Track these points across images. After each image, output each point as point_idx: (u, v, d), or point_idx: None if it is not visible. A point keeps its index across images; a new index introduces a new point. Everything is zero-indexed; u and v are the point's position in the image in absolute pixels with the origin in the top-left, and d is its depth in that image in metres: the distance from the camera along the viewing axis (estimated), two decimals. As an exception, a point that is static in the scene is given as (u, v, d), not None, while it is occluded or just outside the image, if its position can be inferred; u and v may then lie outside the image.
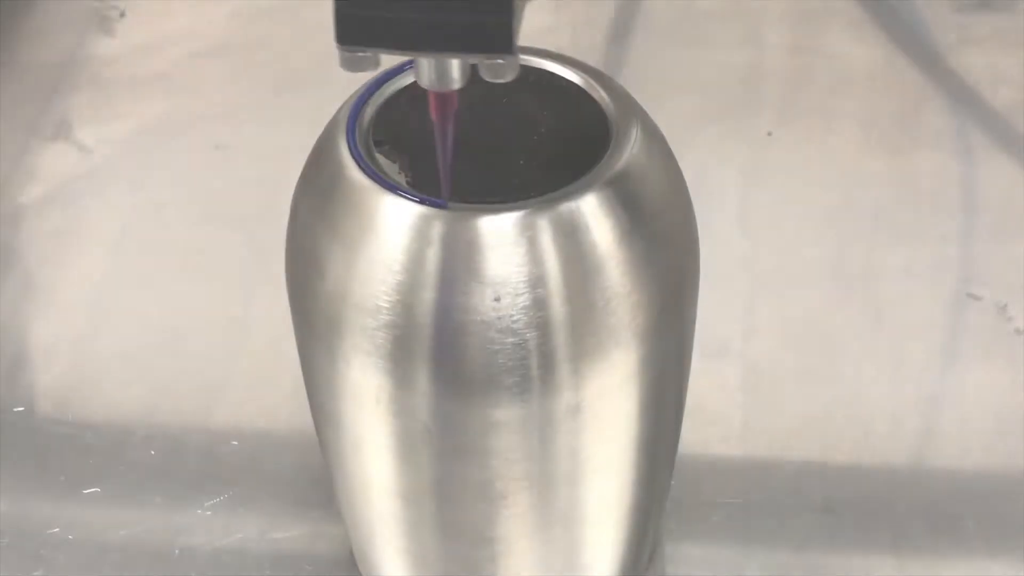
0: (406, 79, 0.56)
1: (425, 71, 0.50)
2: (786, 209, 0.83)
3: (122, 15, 0.93)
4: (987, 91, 0.89)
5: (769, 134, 0.87)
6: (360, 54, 0.48)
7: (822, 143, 0.87)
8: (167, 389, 0.73)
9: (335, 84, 0.86)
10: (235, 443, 0.70)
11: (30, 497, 0.68)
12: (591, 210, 0.52)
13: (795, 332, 0.76)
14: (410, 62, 0.56)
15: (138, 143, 0.86)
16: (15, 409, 0.71)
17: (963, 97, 0.89)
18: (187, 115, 0.87)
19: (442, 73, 0.50)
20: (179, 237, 0.80)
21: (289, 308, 0.58)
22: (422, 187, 0.53)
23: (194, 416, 0.71)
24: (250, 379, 0.73)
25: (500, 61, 0.48)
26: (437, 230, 0.52)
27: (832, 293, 0.78)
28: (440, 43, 0.48)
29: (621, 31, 0.92)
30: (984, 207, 0.83)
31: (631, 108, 0.55)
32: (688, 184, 0.57)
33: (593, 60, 0.87)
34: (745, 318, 0.76)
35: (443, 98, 0.51)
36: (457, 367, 0.53)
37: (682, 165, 0.57)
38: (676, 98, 0.86)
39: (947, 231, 0.81)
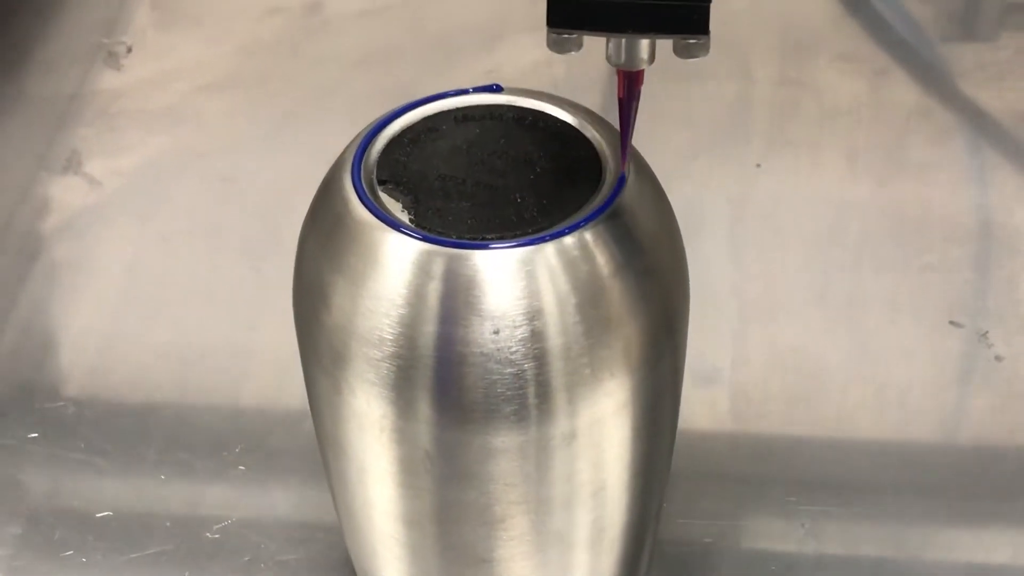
0: (408, 119, 0.59)
1: (615, 52, 0.53)
2: (774, 238, 0.84)
3: (129, 50, 0.95)
4: (970, 122, 0.91)
5: (758, 165, 0.88)
6: (566, 36, 0.52)
7: (809, 174, 0.88)
8: (175, 414, 0.74)
9: (337, 118, 0.89)
10: (242, 468, 0.71)
11: (46, 520, 0.69)
12: (585, 246, 0.54)
13: (783, 359, 0.77)
14: (413, 103, 0.59)
15: (146, 175, 0.87)
16: (29, 435, 0.73)
17: (946, 129, 0.91)
18: (193, 148, 0.89)
19: (631, 53, 0.53)
20: (187, 267, 0.82)
21: (295, 337, 0.61)
22: (423, 225, 0.54)
23: (202, 441, 0.72)
24: (256, 404, 0.75)
25: (694, 41, 0.52)
26: (438, 266, 0.54)
27: (819, 320, 0.79)
28: (641, 25, 0.52)
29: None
30: (965, 237, 0.84)
31: (624, 148, 0.56)
32: (679, 214, 0.58)
33: (587, 93, 0.90)
34: (735, 345, 0.77)
35: (632, 77, 0.54)
36: (458, 397, 0.55)
37: (673, 195, 0.58)
38: (668, 130, 0.88)
39: (930, 260, 0.83)
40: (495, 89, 0.59)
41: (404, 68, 0.93)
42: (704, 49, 0.53)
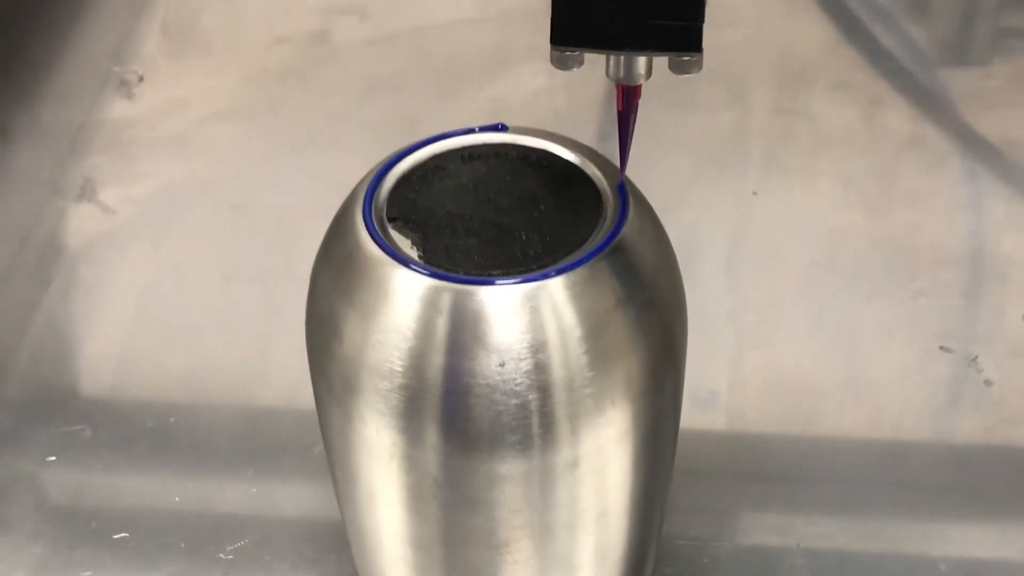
0: (417, 158, 0.61)
1: (614, 68, 0.57)
2: (770, 264, 0.85)
3: (140, 79, 0.96)
4: (962, 150, 0.92)
5: (754, 193, 0.89)
6: (568, 53, 0.55)
7: (804, 201, 0.89)
8: (190, 437, 0.75)
9: (345, 146, 0.91)
10: (254, 491, 0.73)
11: (64, 541, 0.71)
12: (587, 281, 0.56)
13: (778, 382, 0.78)
14: (421, 142, 0.61)
15: (159, 203, 0.89)
16: (48, 458, 0.74)
17: (937, 156, 0.92)
18: (204, 176, 0.90)
19: (629, 69, 0.56)
20: (199, 292, 0.83)
21: (306, 361, 0.62)
22: (432, 261, 0.56)
23: (214, 464, 0.74)
24: (269, 427, 0.76)
25: (688, 58, 0.55)
26: (446, 301, 0.55)
27: (813, 345, 0.81)
28: (638, 43, 0.55)
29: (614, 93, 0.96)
30: (956, 264, 0.85)
31: (623, 184, 0.59)
32: (678, 239, 0.60)
33: (587, 122, 0.92)
34: (732, 370, 0.79)
35: (630, 91, 0.58)
36: (465, 426, 0.56)
37: (672, 221, 0.60)
38: (667, 157, 0.89)
39: (921, 287, 0.84)
40: (500, 128, 0.61)
41: (410, 97, 0.94)
42: (697, 66, 0.56)
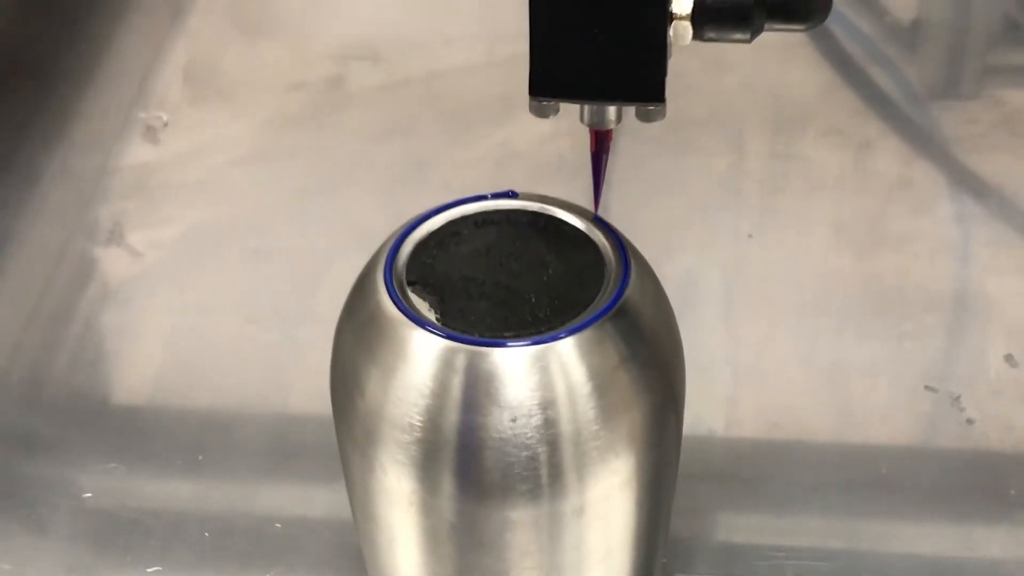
0: (433, 224, 0.64)
1: (588, 115, 0.62)
2: (764, 306, 0.87)
3: (165, 124, 0.99)
4: (948, 194, 0.94)
5: (749, 235, 0.92)
6: (545, 103, 0.61)
7: (797, 244, 0.91)
8: (216, 476, 0.78)
9: (362, 188, 0.95)
10: (278, 526, 0.76)
11: (101, 575, 0.75)
12: (593, 342, 0.59)
13: (772, 420, 0.81)
14: (438, 208, 0.65)
15: (184, 247, 0.91)
16: (84, 495, 0.78)
17: (925, 200, 0.94)
18: (227, 220, 0.93)
19: (600, 116, 0.62)
20: (224, 334, 0.86)
21: (326, 400, 0.65)
22: (448, 323, 0.59)
23: (241, 500, 0.77)
24: (291, 467, 0.79)
25: (652, 107, 0.60)
26: (461, 361, 0.58)
27: (805, 384, 0.83)
28: (607, 94, 0.61)
29: (620, 141, 0.99)
30: (940, 306, 0.87)
31: (625, 249, 0.62)
32: (676, 281, 0.63)
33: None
34: (728, 407, 0.82)
35: (601, 135, 0.63)
36: (479, 476, 0.59)
37: (670, 263, 0.63)
38: (664, 200, 0.92)
39: (908, 328, 0.86)
40: (511, 195, 0.64)
41: (423, 140, 0.97)
42: (661, 115, 0.61)
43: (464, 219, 0.64)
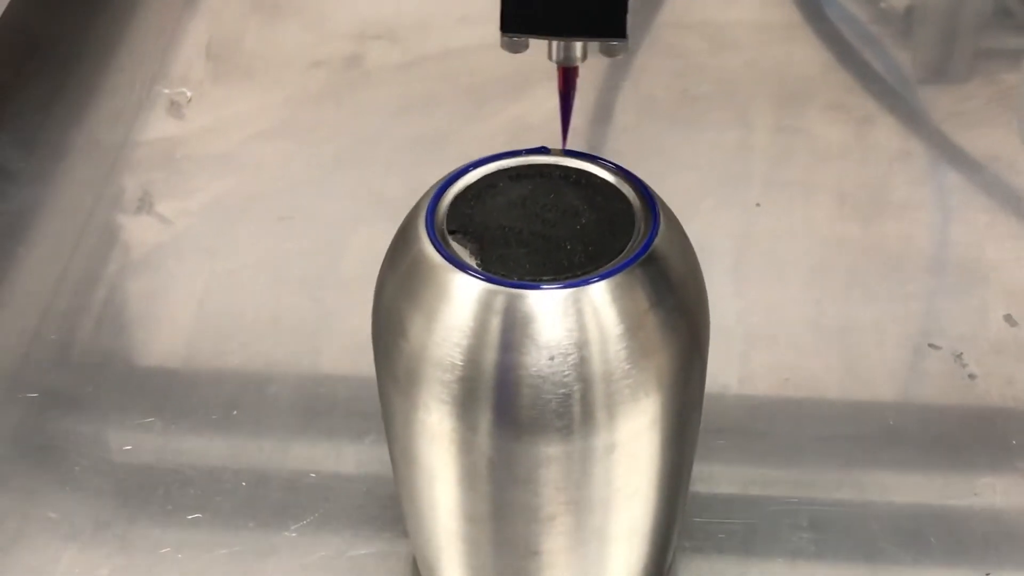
0: (470, 178, 0.66)
1: (556, 52, 0.66)
2: (774, 271, 0.90)
3: (189, 101, 1.01)
4: (946, 165, 0.97)
5: (757, 205, 0.94)
6: (515, 39, 0.65)
7: (803, 212, 0.94)
8: (251, 433, 0.81)
9: (381, 161, 0.98)
10: (313, 475, 0.78)
11: (142, 523, 0.77)
12: (624, 287, 0.62)
13: (783, 377, 0.84)
14: (474, 163, 0.69)
15: (212, 215, 0.93)
16: (124, 448, 0.80)
17: (924, 171, 0.97)
18: (252, 190, 0.95)
19: (567, 53, 0.66)
20: (253, 297, 0.88)
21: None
22: (488, 268, 0.62)
23: (276, 453, 0.80)
24: (323, 423, 0.81)
25: (614, 43, 0.65)
26: (500, 303, 0.61)
27: (814, 344, 0.86)
28: (574, 30, 0.65)
29: (634, 117, 1.01)
30: (942, 269, 0.90)
31: (654, 201, 0.65)
32: None
33: (603, 138, 0.99)
34: (741, 365, 0.84)
35: (568, 72, 0.67)
36: (516, 413, 0.62)
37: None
38: (677, 174, 0.94)
39: (911, 290, 0.89)
40: (542, 151, 0.68)
41: (440, 116, 0.99)
42: (623, 49, 0.66)
43: (500, 173, 0.67)
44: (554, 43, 0.66)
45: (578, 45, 0.66)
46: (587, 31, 0.65)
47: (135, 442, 0.81)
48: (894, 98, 1.03)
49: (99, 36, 1.07)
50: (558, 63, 0.66)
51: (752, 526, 0.77)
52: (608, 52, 0.66)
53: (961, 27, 1.12)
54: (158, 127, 1.00)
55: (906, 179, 0.97)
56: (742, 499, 0.79)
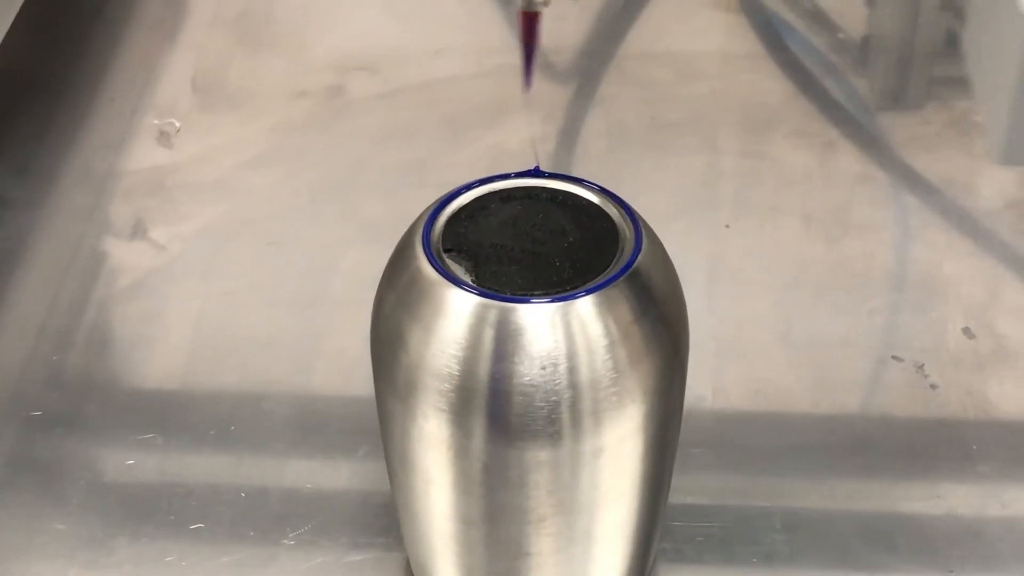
0: (463, 199, 0.69)
1: None
2: (744, 289, 0.93)
3: (178, 130, 1.04)
4: (906, 187, 1.00)
5: (727, 226, 0.97)
6: None
7: (771, 234, 0.97)
8: (247, 447, 0.83)
9: (366, 187, 1.01)
10: (309, 486, 0.81)
11: (147, 533, 0.79)
12: (609, 301, 0.65)
13: (754, 389, 0.87)
14: (467, 185, 0.71)
15: (204, 240, 0.96)
16: (127, 463, 0.83)
17: (885, 193, 1.00)
18: (243, 216, 0.97)
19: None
20: (246, 319, 0.91)
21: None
22: (482, 283, 0.65)
23: (273, 468, 0.82)
24: (318, 438, 0.84)
25: None
26: (493, 316, 0.64)
27: (784, 358, 0.89)
28: None
29: (606, 143, 1.03)
30: (903, 285, 0.93)
31: (636, 220, 0.69)
32: None
33: (578, 163, 1.02)
34: (715, 378, 0.87)
35: (530, 17, 0.70)
36: (509, 420, 0.65)
37: None
38: (648, 197, 0.90)
39: (875, 305, 0.91)
40: (532, 173, 0.71)
41: (420, 143, 1.02)
42: (544, 4, 0.70)
43: (491, 195, 0.70)
44: None
45: None
46: None
47: (137, 458, 0.83)
48: (854, 124, 1.06)
49: (87, 69, 1.10)
50: (522, 8, 0.70)
51: (728, 529, 0.80)
52: (528, 5, 0.69)
53: (916, 56, 1.15)
54: (149, 156, 1.03)
55: (867, 201, 1.00)
56: (718, 506, 0.82)
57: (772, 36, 1.14)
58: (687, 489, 0.81)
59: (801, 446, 0.85)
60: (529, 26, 0.70)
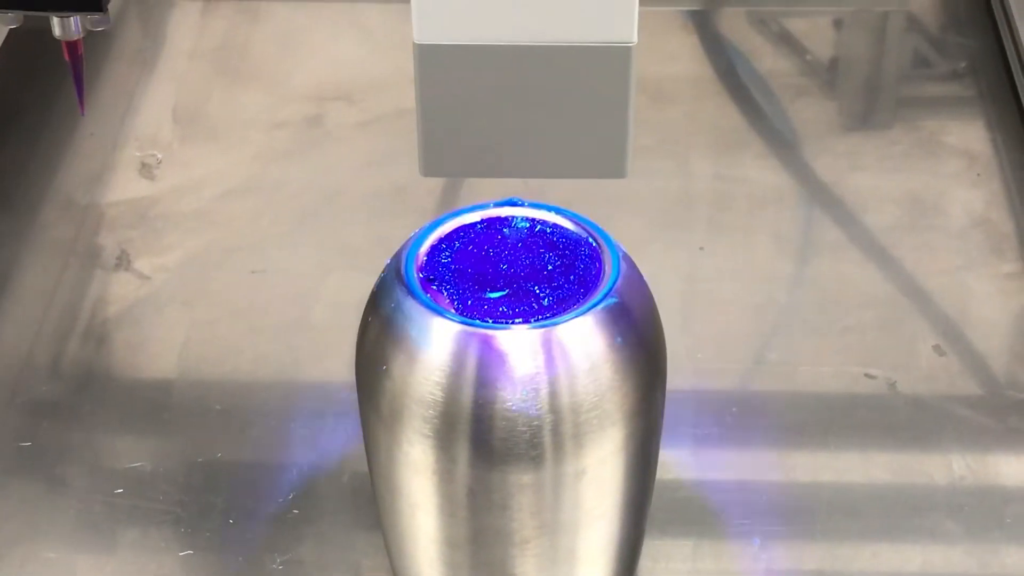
0: (445, 228, 0.71)
1: (57, 28, 0.77)
2: (719, 309, 0.95)
3: (159, 162, 1.05)
4: (874, 207, 1.02)
5: (701, 248, 0.99)
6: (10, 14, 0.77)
7: (744, 254, 0.98)
8: (233, 471, 0.85)
9: (346, 215, 1.03)
10: (296, 511, 0.83)
11: (137, 560, 0.81)
12: (589, 327, 0.67)
13: (731, 410, 0.88)
14: (449, 215, 0.73)
15: (187, 270, 0.97)
16: (116, 491, 0.84)
17: (853, 213, 1.01)
18: (224, 245, 0.99)
19: (64, 28, 0.77)
20: (230, 346, 0.92)
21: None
22: (464, 312, 0.68)
23: (260, 492, 0.84)
24: (302, 460, 0.85)
25: (96, 16, 0.76)
26: (476, 344, 0.67)
27: (760, 376, 0.91)
28: (52, 6, 0.76)
29: None
30: (875, 304, 0.95)
31: (614, 247, 0.71)
32: None
33: (552, 189, 1.03)
34: (692, 396, 0.89)
35: (71, 45, 0.78)
36: (492, 444, 0.67)
37: None
38: (625, 219, 0.98)
39: (848, 324, 0.93)
40: (512, 203, 0.73)
41: (398, 171, 1.03)
42: (105, 23, 0.77)
43: (472, 224, 0.72)
44: (54, 19, 0.76)
45: (70, 21, 0.77)
46: (64, 6, 0.75)
47: (126, 486, 0.85)
48: (823, 145, 1.08)
49: (67, 102, 1.11)
50: (61, 39, 0.77)
51: (707, 541, 0.82)
52: (90, 25, 0.77)
53: (883, 77, 1.18)
54: (131, 188, 1.04)
55: (838, 220, 1.02)
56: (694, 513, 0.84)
57: (742, 59, 1.16)
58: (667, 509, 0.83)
59: (777, 465, 0.87)
60: (72, 53, 0.77)
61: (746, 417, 0.89)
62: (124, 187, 1.04)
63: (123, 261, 0.99)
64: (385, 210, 1.02)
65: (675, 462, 0.86)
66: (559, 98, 0.64)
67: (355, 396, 0.72)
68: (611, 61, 0.63)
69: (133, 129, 1.09)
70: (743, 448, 0.87)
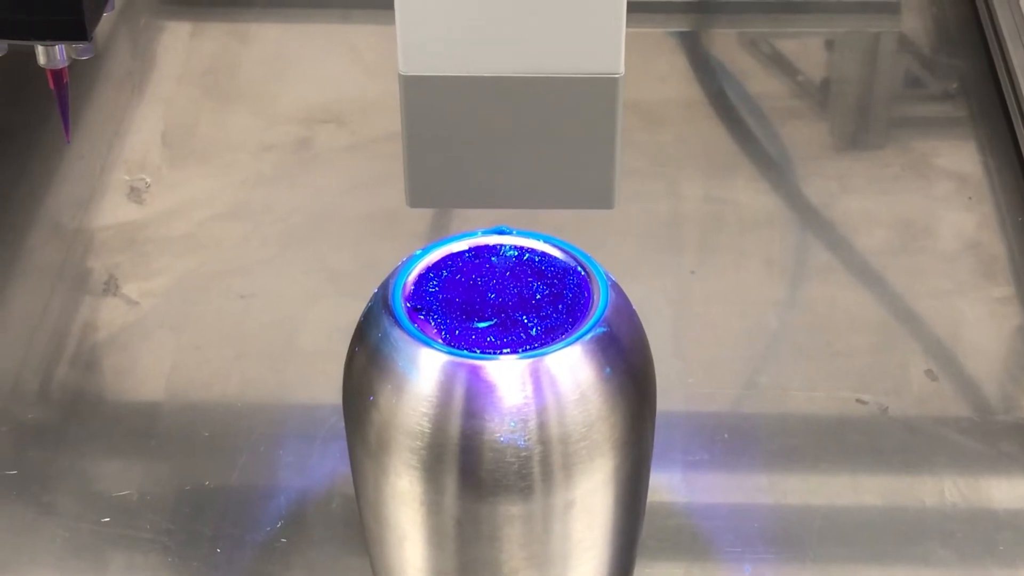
0: (433, 257, 0.71)
1: (41, 57, 0.78)
2: (709, 333, 0.95)
3: (148, 186, 1.05)
4: (864, 230, 1.02)
5: (692, 272, 0.99)
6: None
7: (735, 278, 0.98)
8: (221, 498, 0.85)
9: (334, 238, 1.02)
10: (284, 540, 0.82)
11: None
12: (579, 357, 0.67)
13: (722, 435, 0.88)
14: (436, 243, 0.72)
15: (175, 294, 0.97)
16: (103, 520, 0.84)
17: (843, 236, 1.01)
18: (212, 269, 0.99)
19: (50, 57, 0.78)
20: (218, 371, 0.92)
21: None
22: (451, 342, 0.67)
23: (248, 520, 0.83)
24: (290, 487, 0.85)
25: (81, 45, 0.77)
26: (463, 374, 0.66)
27: (751, 400, 0.90)
28: (39, 35, 0.76)
29: None
30: (866, 328, 0.95)
31: (603, 276, 0.70)
32: None
33: (545, 216, 1.03)
34: (684, 421, 0.89)
35: (56, 74, 0.79)
36: (481, 476, 0.67)
37: None
38: (615, 242, 0.99)
39: (839, 348, 0.93)
40: (500, 232, 0.73)
41: (387, 194, 1.02)
42: (90, 52, 0.78)
43: (460, 253, 0.72)
44: (39, 48, 0.77)
45: (54, 50, 0.77)
46: (50, 35, 0.75)
47: (112, 513, 0.85)
48: (815, 166, 1.08)
49: (55, 126, 1.09)
50: (46, 67, 0.78)
51: (697, 568, 0.82)
52: (75, 54, 0.78)
53: (875, 98, 1.18)
54: (120, 212, 1.04)
55: (829, 243, 1.02)
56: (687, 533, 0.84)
57: (733, 81, 1.16)
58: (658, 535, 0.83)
59: (767, 488, 0.86)
60: (56, 81, 0.78)
61: (737, 442, 0.89)
62: (113, 211, 1.04)
63: (111, 286, 0.98)
64: (375, 234, 1.02)
65: (666, 487, 0.86)
66: (546, 129, 0.63)
67: (343, 422, 0.72)
68: (598, 92, 0.62)
69: (122, 153, 1.09)
70: (734, 473, 0.87)
